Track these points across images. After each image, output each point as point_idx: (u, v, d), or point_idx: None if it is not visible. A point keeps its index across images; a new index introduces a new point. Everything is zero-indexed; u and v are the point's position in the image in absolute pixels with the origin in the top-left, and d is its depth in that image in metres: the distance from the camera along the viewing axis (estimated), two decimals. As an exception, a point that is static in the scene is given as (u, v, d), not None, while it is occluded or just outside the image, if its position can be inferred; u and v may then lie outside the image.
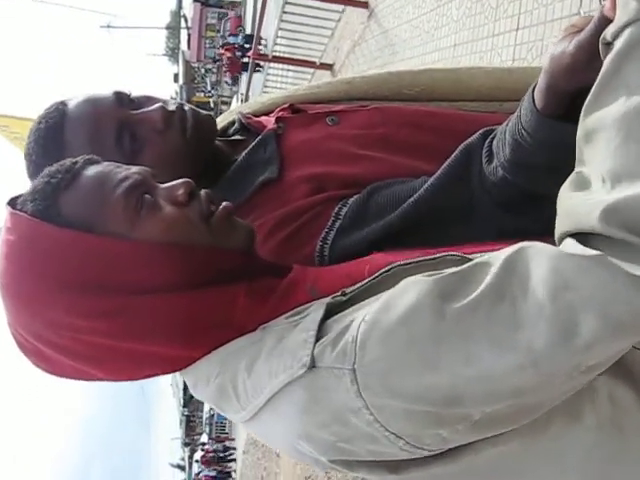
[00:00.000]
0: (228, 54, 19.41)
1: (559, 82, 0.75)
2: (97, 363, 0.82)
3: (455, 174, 0.91)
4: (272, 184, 1.04)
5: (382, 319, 0.64)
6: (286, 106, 1.14)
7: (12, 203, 0.83)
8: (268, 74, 11.78)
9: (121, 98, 1.05)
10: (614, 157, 0.57)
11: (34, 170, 1.03)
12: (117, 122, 1.02)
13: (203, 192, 0.85)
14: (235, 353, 0.77)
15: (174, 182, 0.84)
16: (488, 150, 0.90)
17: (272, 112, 1.17)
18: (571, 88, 0.75)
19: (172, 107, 1.06)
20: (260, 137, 1.08)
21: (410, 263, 0.75)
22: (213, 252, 0.81)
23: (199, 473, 25.50)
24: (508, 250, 0.62)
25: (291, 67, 10.47)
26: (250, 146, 1.08)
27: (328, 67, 9.22)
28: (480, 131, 0.93)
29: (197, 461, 27.23)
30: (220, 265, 0.81)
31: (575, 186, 0.62)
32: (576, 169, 0.63)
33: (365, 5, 7.72)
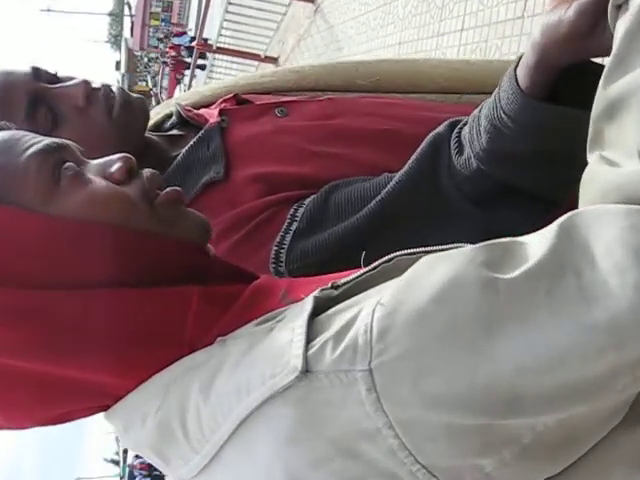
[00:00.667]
0: (173, 52, 19.14)
1: (552, 55, 0.67)
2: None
3: (422, 169, 0.82)
4: (218, 184, 0.94)
5: (408, 298, 0.47)
6: (230, 97, 1.04)
7: None
8: (212, 65, 11.60)
9: (38, 72, 0.94)
10: None
11: None
12: (30, 94, 0.91)
13: (148, 171, 0.66)
14: (184, 374, 0.56)
15: (110, 157, 0.66)
16: (457, 141, 0.81)
17: (214, 104, 1.06)
18: (563, 62, 0.68)
19: (97, 85, 0.96)
20: (202, 132, 0.98)
21: (417, 253, 0.57)
22: (159, 240, 0.62)
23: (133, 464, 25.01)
24: (557, 220, 0.48)
25: (236, 60, 10.33)
26: (191, 142, 0.98)
27: (273, 60, 9.11)
28: (446, 122, 0.85)
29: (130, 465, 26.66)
30: (168, 259, 0.62)
31: (606, 164, 0.50)
32: (594, 151, 0.52)
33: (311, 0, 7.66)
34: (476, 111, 0.80)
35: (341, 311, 0.51)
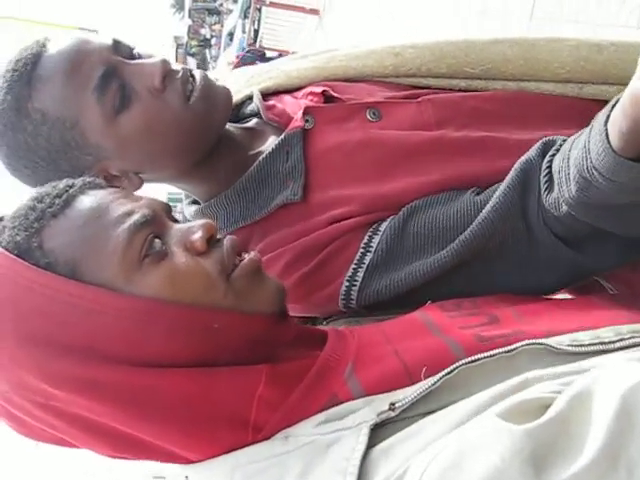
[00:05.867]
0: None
1: None
2: (73, 437, 0.66)
3: (511, 204, 0.77)
4: (293, 205, 0.87)
5: None
6: (318, 90, 0.92)
7: None
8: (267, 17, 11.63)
9: (118, 46, 0.86)
10: None
11: None
12: (105, 64, 0.83)
13: (229, 240, 0.68)
14: (249, 469, 0.60)
15: (192, 223, 0.68)
16: (547, 174, 0.75)
17: (299, 89, 0.96)
18: None
19: (177, 67, 0.87)
20: (283, 137, 0.89)
21: (478, 360, 0.59)
22: (233, 319, 0.64)
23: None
24: (620, 385, 0.47)
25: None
26: (269, 150, 0.89)
27: (315, 12, 9.01)
28: (538, 144, 0.79)
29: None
30: (241, 337, 0.64)
31: None
32: None
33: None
34: (567, 145, 0.73)
35: (392, 451, 0.54)
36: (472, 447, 0.49)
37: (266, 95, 0.96)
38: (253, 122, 0.97)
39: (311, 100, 0.92)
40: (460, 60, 0.91)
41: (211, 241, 0.66)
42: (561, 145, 0.76)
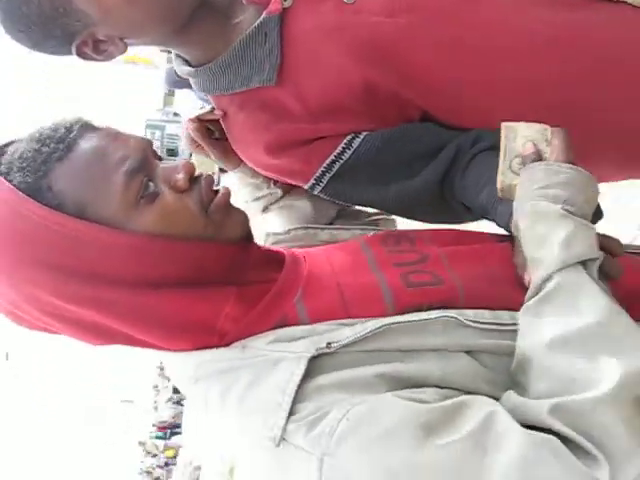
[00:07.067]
0: None
1: None
2: (65, 331, 0.79)
3: (439, 173, 0.95)
4: (269, 87, 0.97)
5: (364, 426, 0.65)
6: None
7: None
8: None
9: None
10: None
11: None
12: None
13: (206, 179, 0.80)
14: (210, 367, 0.76)
15: (174, 163, 0.80)
16: (467, 166, 0.93)
17: None
18: None
19: None
20: (261, 21, 0.95)
21: (400, 323, 0.74)
22: (210, 247, 0.77)
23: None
24: (487, 405, 0.66)
25: None
26: (248, 31, 0.96)
27: None
28: (472, 134, 0.94)
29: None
30: (218, 261, 0.78)
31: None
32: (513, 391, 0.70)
33: None
34: (497, 160, 0.87)
35: (324, 391, 0.69)
36: (387, 403, 0.66)
37: None
38: None
39: None
40: None
41: (191, 179, 0.78)
42: (491, 145, 0.90)
